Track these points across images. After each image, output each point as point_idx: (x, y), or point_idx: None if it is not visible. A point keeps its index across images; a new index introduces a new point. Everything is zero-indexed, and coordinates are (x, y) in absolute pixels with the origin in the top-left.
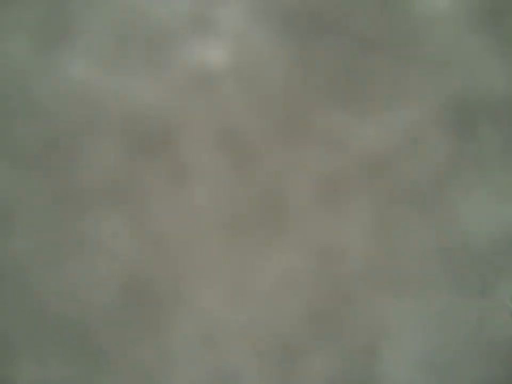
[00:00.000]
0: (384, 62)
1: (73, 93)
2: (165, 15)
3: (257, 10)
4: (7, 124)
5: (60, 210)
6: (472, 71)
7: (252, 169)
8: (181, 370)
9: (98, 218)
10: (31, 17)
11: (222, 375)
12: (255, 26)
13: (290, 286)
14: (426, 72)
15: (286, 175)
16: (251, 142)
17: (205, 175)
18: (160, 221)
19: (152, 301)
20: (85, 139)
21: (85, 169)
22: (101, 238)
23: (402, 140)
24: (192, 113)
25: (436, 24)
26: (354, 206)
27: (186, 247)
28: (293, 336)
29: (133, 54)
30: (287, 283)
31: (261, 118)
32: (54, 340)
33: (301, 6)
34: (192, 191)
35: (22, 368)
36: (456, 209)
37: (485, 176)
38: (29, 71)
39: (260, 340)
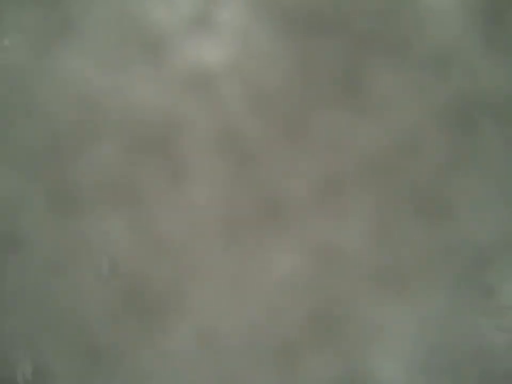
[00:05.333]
0: (384, 62)
1: (72, 93)
2: (165, 15)
3: (257, 10)
4: (7, 124)
5: (59, 210)
6: (472, 70)
7: (251, 170)
8: (180, 371)
9: (98, 218)
10: (31, 17)
11: (222, 376)
12: (255, 26)
13: (290, 287)
14: (427, 72)
15: (286, 175)
16: (251, 142)
17: (204, 175)
18: (159, 222)
19: (151, 301)
20: (84, 139)
21: (85, 169)
22: (100, 238)
23: (402, 139)
24: (192, 113)
25: (436, 24)
26: (354, 206)
27: (186, 248)
28: (292, 337)
29: (133, 54)
30: (286, 283)
31: (261, 117)
32: (53, 340)
33: (301, 6)
34: (192, 191)
35: (21, 368)
36: (456, 209)
37: (486, 176)
38: (29, 71)
39: (259, 341)
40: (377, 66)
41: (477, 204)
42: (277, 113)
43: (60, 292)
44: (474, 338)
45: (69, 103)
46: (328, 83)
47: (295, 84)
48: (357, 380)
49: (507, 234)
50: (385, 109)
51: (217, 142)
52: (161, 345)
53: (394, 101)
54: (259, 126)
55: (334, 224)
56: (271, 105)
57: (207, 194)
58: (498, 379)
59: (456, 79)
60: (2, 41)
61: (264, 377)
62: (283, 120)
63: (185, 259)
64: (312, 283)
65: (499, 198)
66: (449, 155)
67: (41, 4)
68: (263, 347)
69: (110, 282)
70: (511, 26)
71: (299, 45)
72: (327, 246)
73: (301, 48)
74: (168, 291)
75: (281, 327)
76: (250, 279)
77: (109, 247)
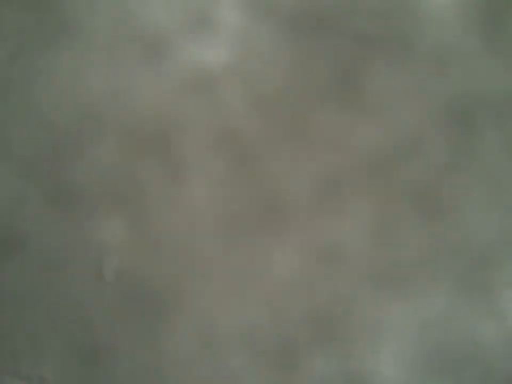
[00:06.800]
0: (384, 62)
1: (73, 94)
2: (165, 15)
3: (257, 10)
4: (6, 125)
5: (59, 211)
6: (472, 71)
7: (251, 170)
8: (181, 372)
9: (98, 219)
10: (30, 17)
11: (222, 376)
12: (255, 26)
13: (290, 287)
14: (426, 72)
15: (286, 175)
16: (251, 142)
17: (204, 175)
18: (159, 222)
19: (151, 301)
20: (84, 140)
21: (85, 170)
22: (100, 238)
23: (402, 140)
24: (191, 114)
25: (436, 24)
26: (354, 206)
27: (186, 248)
28: (292, 337)
29: (133, 54)
30: (286, 283)
31: (261, 118)
32: (54, 341)
33: (301, 6)
34: (192, 191)
35: (22, 369)
36: (456, 209)
37: (485, 176)
38: (29, 72)
39: (259, 340)
40: (377, 66)
41: (477, 204)
42: (277, 113)
43: (60, 291)
44: (474, 338)
45: (69, 104)
46: (328, 83)
47: (295, 84)
48: (356, 379)
49: (507, 234)
50: (385, 109)
51: (217, 142)
52: (161, 345)
53: (394, 101)
54: (259, 126)
55: (334, 224)
56: (271, 105)
57: (206, 194)
58: (498, 379)
59: (456, 79)
60: (2, 41)
61: (264, 377)
62: (283, 120)
63: (185, 259)
64: (312, 283)
65: (499, 198)
66: (449, 155)
67: (40, 6)
68: (263, 347)
69: (110, 282)
70: (511, 26)
71: (299, 45)
72: (327, 246)
73: (301, 48)
74: (168, 291)
75: (281, 327)
76: (250, 278)
77: (109, 247)
